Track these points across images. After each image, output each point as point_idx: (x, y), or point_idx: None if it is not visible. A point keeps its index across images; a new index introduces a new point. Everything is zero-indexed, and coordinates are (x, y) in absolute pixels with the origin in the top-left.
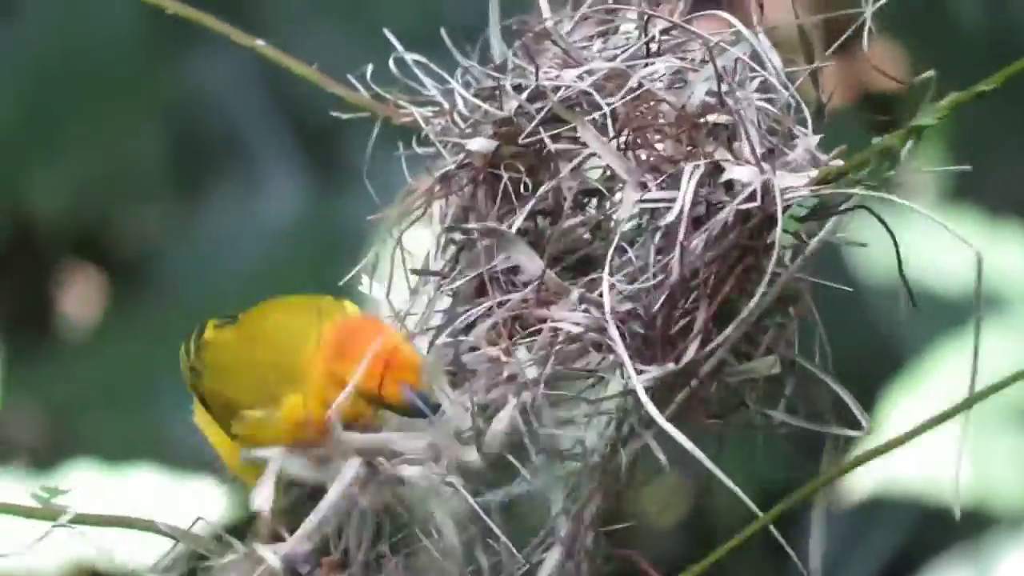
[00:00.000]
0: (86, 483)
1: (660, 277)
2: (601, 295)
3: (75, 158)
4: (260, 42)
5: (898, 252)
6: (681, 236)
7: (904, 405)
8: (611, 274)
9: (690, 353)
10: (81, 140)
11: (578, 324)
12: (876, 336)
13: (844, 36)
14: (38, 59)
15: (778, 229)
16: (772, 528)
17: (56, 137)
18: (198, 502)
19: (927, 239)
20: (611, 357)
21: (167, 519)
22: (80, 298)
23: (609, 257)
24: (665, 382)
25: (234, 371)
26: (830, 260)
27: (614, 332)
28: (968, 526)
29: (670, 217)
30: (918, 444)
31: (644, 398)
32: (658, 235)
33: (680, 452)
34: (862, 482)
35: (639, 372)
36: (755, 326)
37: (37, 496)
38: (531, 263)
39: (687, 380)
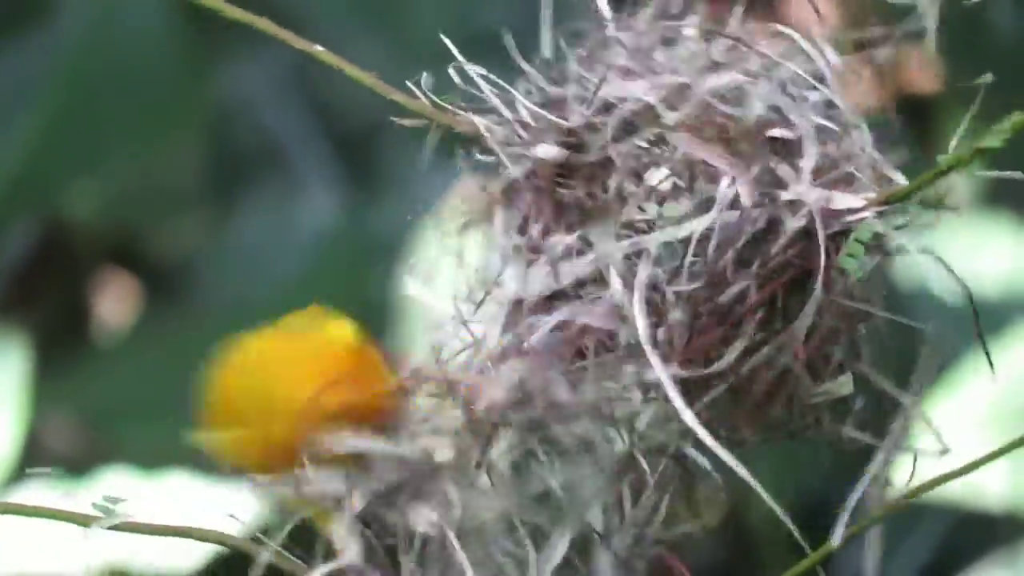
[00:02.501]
0: (118, 488)
1: (702, 287)
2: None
3: (111, 166)
4: (318, 47)
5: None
6: (713, 245)
7: (940, 410)
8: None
9: (726, 361)
10: (117, 148)
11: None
12: (914, 341)
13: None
14: (74, 67)
15: (821, 247)
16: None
17: (92, 145)
18: (232, 507)
19: (961, 246)
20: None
21: (202, 524)
22: (115, 305)
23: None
24: (709, 393)
25: None
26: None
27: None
28: (1006, 531)
29: (707, 225)
30: (956, 449)
31: (678, 402)
32: (702, 245)
33: (715, 456)
34: (900, 487)
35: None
36: (824, 344)
37: (97, 505)
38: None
39: (734, 393)
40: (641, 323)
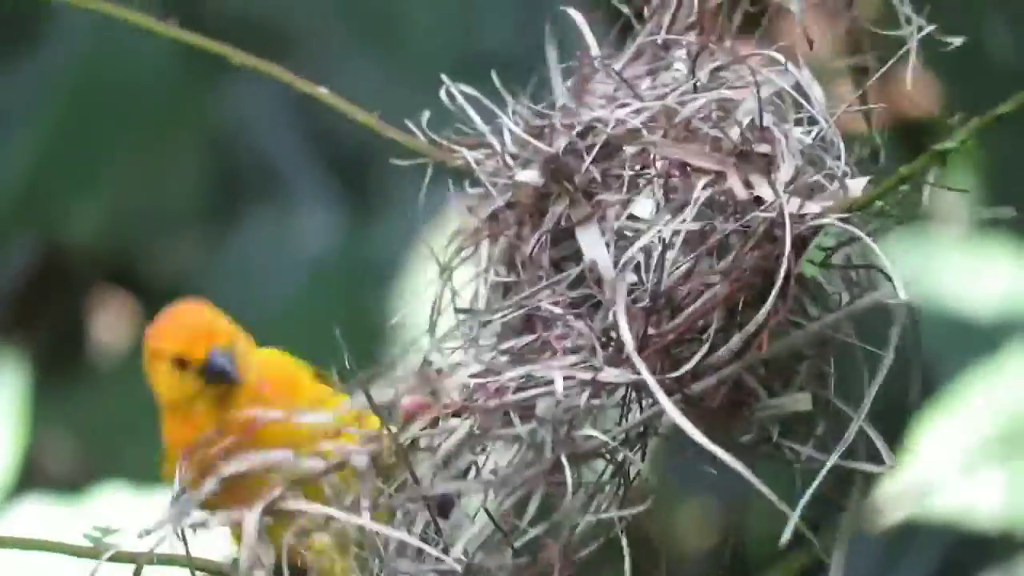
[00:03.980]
0: (116, 507)
1: (668, 289)
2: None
3: (109, 187)
4: (323, 89)
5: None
6: (676, 248)
7: (936, 431)
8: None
9: (692, 363)
10: (115, 169)
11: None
12: (907, 362)
13: (887, 65)
14: (73, 88)
15: (786, 252)
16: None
17: (90, 166)
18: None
19: (958, 266)
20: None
21: (197, 544)
22: (112, 325)
23: (623, 267)
24: (677, 401)
25: None
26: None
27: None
28: (1001, 551)
29: (675, 229)
30: (952, 470)
31: (658, 392)
32: (668, 250)
33: (712, 475)
34: (896, 507)
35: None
36: (789, 363)
37: (88, 536)
38: (593, 248)
39: (700, 403)
40: (625, 331)
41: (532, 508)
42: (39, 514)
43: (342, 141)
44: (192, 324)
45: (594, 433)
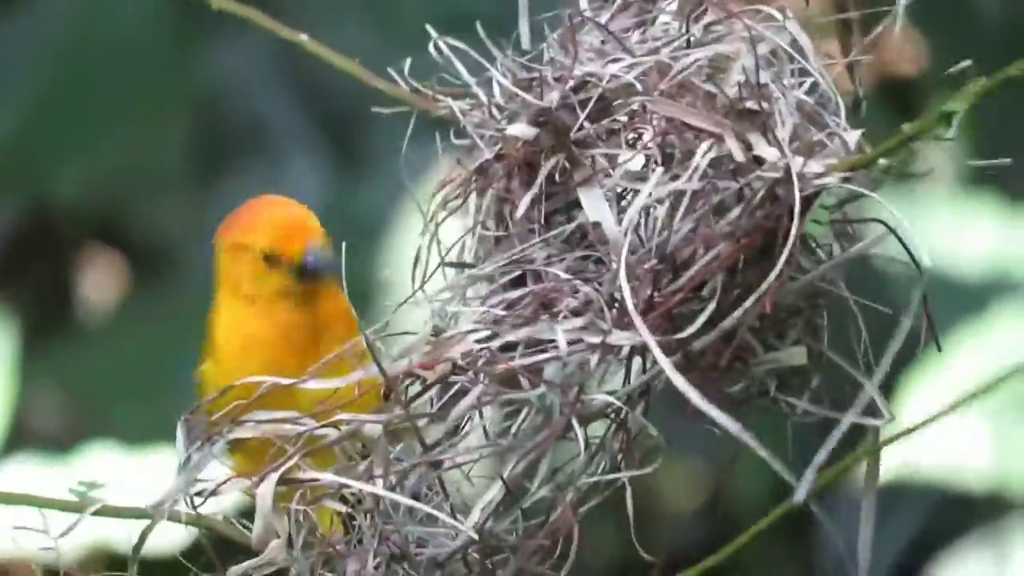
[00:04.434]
0: (105, 466)
1: (672, 250)
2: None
3: (97, 146)
4: (304, 36)
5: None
6: (682, 209)
7: (923, 391)
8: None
9: (696, 325)
10: (103, 128)
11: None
12: (894, 321)
13: (878, 28)
14: (60, 48)
15: (796, 212)
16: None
17: (78, 125)
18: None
19: (945, 225)
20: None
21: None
22: (100, 284)
23: (626, 229)
24: (677, 359)
25: None
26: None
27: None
28: (987, 511)
29: (681, 188)
30: (939, 429)
31: (662, 358)
32: (672, 211)
33: (700, 435)
34: (882, 467)
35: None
36: (783, 316)
37: (74, 490)
38: (596, 209)
39: (700, 360)
40: (627, 291)
41: (543, 471)
42: (28, 473)
43: (330, 97)
44: (285, 220)
45: (601, 395)
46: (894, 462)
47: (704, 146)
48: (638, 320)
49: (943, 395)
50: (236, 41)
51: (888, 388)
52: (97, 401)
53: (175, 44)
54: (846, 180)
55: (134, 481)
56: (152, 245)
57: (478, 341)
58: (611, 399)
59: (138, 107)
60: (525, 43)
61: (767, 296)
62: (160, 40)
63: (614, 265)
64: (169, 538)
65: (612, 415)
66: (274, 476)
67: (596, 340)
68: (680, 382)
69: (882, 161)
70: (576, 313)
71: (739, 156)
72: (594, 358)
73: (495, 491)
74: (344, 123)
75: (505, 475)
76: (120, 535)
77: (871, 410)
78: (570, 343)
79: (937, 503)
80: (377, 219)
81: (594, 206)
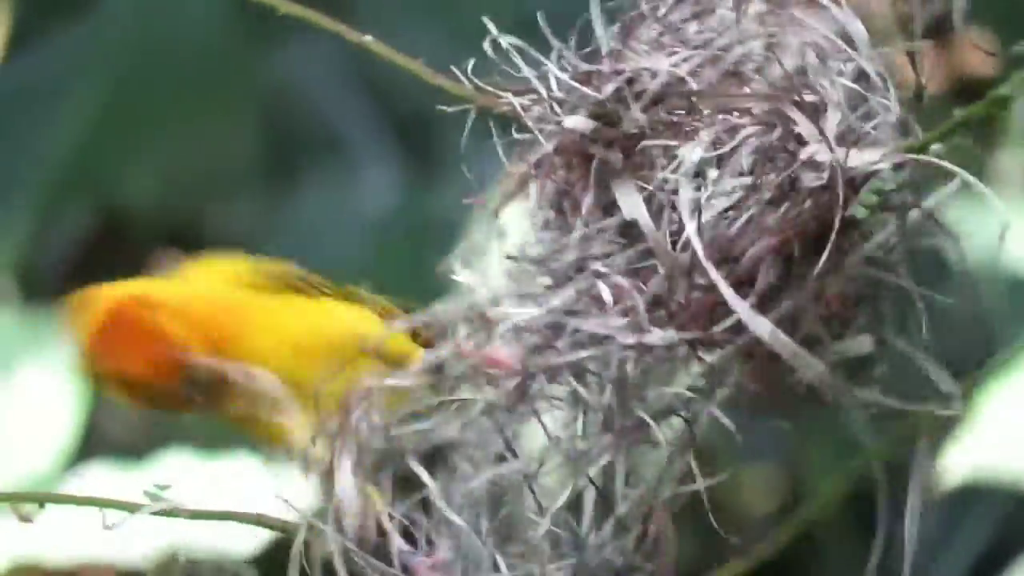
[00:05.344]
0: (180, 472)
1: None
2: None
3: (167, 150)
4: (368, 37)
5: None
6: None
7: (999, 394)
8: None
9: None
10: (173, 132)
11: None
12: (970, 322)
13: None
14: (128, 51)
15: (840, 200)
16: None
17: (147, 130)
18: (294, 488)
19: (1019, 226)
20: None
21: (260, 507)
22: None
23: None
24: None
25: None
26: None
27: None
28: None
29: (728, 189)
30: (1014, 432)
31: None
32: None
33: (775, 441)
34: (956, 470)
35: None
36: (848, 306)
37: (148, 493)
38: (632, 207)
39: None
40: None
41: (620, 472)
42: (102, 480)
43: (403, 101)
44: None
45: (669, 390)
46: (968, 465)
47: (754, 136)
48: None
49: (1020, 398)
50: (305, 43)
51: (965, 387)
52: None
53: (244, 47)
54: (898, 167)
55: (207, 486)
56: (223, 249)
57: (528, 331)
58: (679, 390)
59: (208, 111)
60: (599, 33)
61: (828, 286)
62: (229, 43)
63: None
64: (251, 539)
65: (683, 412)
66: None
67: (631, 340)
68: (768, 333)
69: (935, 147)
70: (625, 311)
71: (790, 142)
72: (632, 357)
73: (567, 498)
74: (417, 124)
75: (583, 478)
76: (190, 538)
77: (940, 404)
78: (606, 340)
79: (1012, 509)
80: (451, 222)
81: (630, 203)
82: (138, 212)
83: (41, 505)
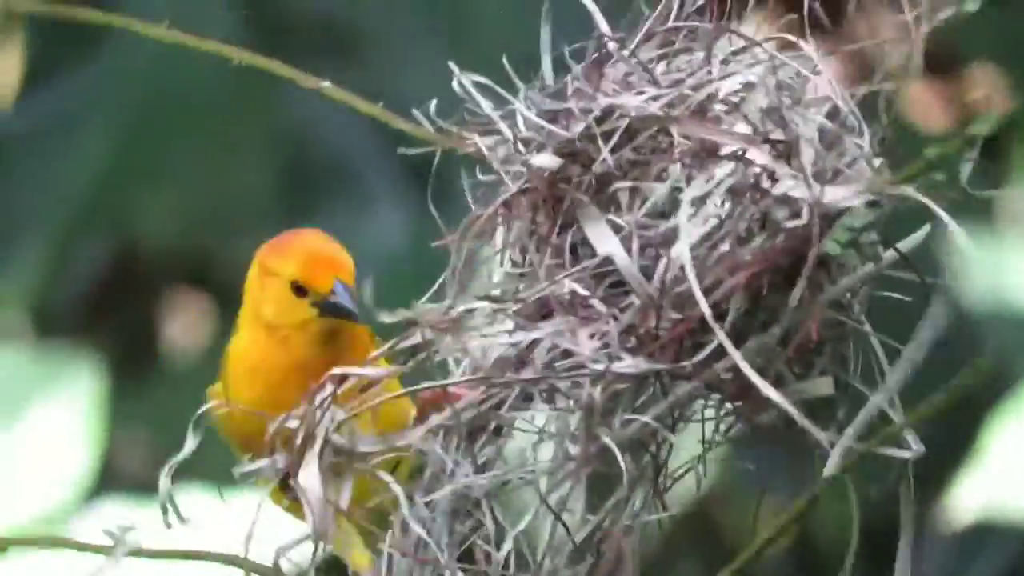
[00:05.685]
0: (193, 509)
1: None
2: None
3: (182, 186)
4: (325, 83)
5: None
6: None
7: (1011, 431)
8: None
9: (707, 350)
10: (188, 170)
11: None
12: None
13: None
14: (142, 89)
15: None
16: None
17: (163, 165)
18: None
19: None
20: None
21: (273, 545)
22: (187, 326)
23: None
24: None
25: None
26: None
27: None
28: None
29: (704, 224)
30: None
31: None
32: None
33: (786, 475)
34: (967, 508)
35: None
36: (810, 347)
37: (108, 532)
38: (606, 243)
39: (725, 388)
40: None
41: (580, 500)
42: (116, 516)
43: (414, 136)
44: (319, 253)
45: (635, 416)
46: (979, 503)
47: (727, 170)
48: (727, 343)
49: None
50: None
51: (973, 427)
52: (184, 442)
53: (258, 82)
54: (871, 204)
55: (222, 524)
56: (239, 286)
57: (497, 352)
58: (647, 419)
59: (222, 148)
60: (547, 73)
61: (798, 323)
62: (243, 78)
63: (634, 296)
64: None
65: (651, 441)
66: (312, 460)
67: (600, 367)
68: (745, 366)
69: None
70: (596, 336)
71: (763, 180)
72: (617, 383)
73: (528, 523)
74: (429, 161)
75: (541, 503)
76: None
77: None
78: (578, 366)
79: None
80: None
81: (602, 238)
82: (153, 248)
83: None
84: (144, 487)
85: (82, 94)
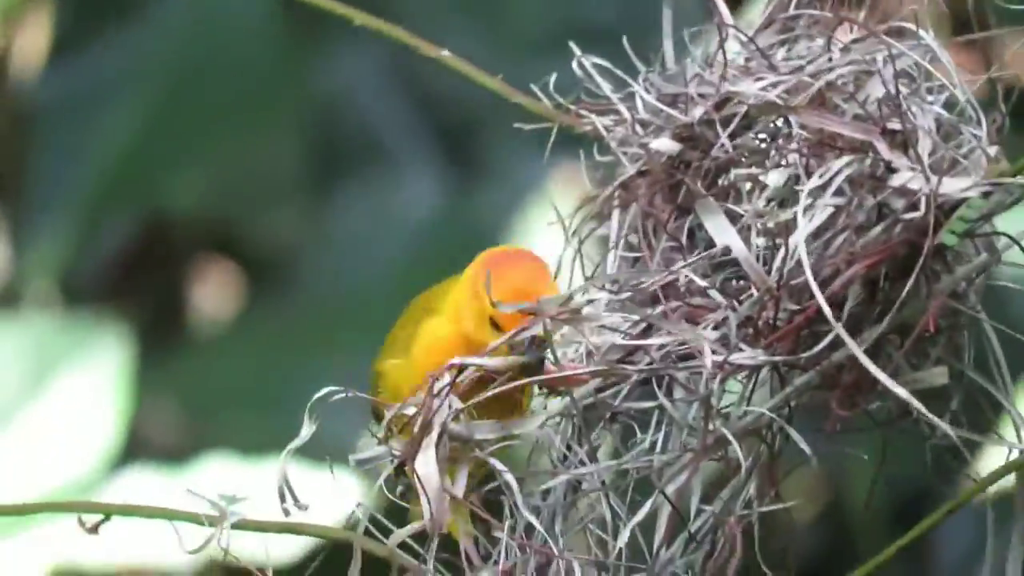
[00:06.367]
0: (222, 478)
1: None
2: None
3: (212, 157)
4: (445, 52)
5: None
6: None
7: None
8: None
9: (825, 342)
10: (218, 139)
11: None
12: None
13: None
14: (175, 58)
15: (931, 227)
16: None
17: (193, 137)
18: (335, 495)
19: None
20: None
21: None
22: (215, 296)
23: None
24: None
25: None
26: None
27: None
28: None
29: (822, 214)
30: None
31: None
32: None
33: (817, 445)
34: (998, 479)
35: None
36: (926, 336)
37: (213, 503)
38: (724, 234)
39: (839, 378)
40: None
41: (697, 490)
42: (144, 484)
43: (446, 108)
44: (520, 296)
45: (754, 409)
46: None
47: (844, 161)
48: (844, 334)
49: None
50: (350, 50)
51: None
52: (213, 412)
53: (290, 54)
54: (986, 195)
55: (250, 492)
56: (267, 256)
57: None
58: (764, 411)
59: (253, 118)
60: (669, 56)
61: (914, 312)
62: (275, 50)
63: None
64: (295, 546)
65: (764, 432)
66: (429, 447)
67: (719, 358)
68: (865, 360)
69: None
70: (714, 327)
71: (879, 172)
72: (718, 376)
73: (644, 515)
74: (460, 131)
75: (658, 493)
76: (237, 547)
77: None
78: (695, 355)
79: None
80: (493, 230)
81: (719, 227)
82: (182, 219)
83: (107, 516)
84: (172, 456)
85: (113, 64)
